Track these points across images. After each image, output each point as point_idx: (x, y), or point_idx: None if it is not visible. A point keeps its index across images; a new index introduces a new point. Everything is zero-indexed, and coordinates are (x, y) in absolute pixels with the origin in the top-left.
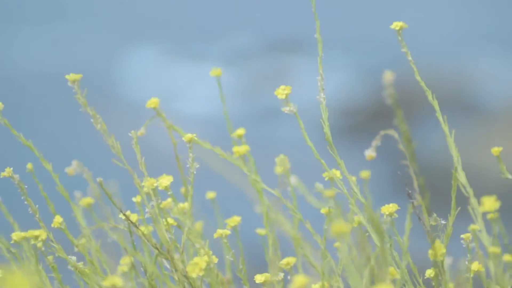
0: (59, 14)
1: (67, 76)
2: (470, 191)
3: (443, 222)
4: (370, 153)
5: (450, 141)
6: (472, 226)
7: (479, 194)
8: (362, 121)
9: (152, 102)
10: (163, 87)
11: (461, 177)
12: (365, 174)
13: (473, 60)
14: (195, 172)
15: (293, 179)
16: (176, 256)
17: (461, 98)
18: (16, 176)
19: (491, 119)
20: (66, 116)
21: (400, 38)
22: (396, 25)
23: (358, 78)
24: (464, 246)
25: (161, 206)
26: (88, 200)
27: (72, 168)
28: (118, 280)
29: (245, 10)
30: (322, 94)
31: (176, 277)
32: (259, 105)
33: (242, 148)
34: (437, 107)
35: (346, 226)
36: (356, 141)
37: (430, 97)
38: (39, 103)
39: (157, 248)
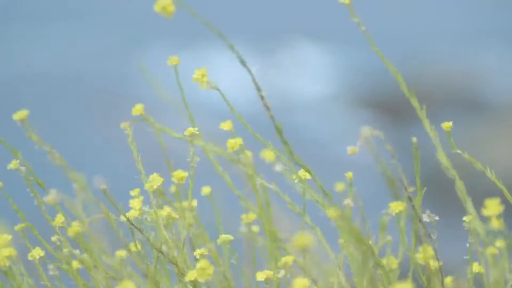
0: (64, 14)
1: (14, 117)
2: (454, 172)
3: (436, 218)
4: (351, 148)
5: (426, 122)
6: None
7: (483, 191)
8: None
9: (137, 109)
10: (174, 82)
11: (442, 158)
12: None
13: (478, 56)
14: (195, 166)
15: (278, 167)
16: (179, 258)
17: (466, 95)
18: (23, 169)
19: (496, 115)
20: (68, 117)
21: (350, 9)
22: None
23: (363, 76)
24: (466, 229)
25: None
26: (75, 229)
27: (52, 196)
28: (131, 285)
29: (249, 4)
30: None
31: (179, 280)
32: (273, 96)
33: (236, 142)
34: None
35: (310, 239)
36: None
37: (390, 69)
38: (41, 104)
39: (161, 252)
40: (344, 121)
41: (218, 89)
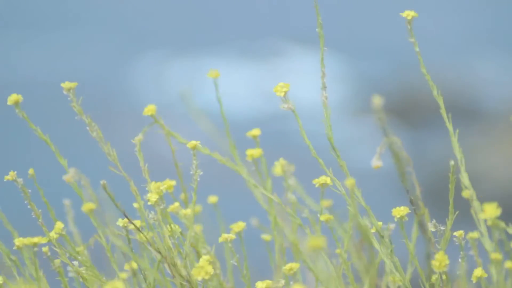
0: (61, 22)
1: (62, 84)
2: (473, 193)
3: (442, 228)
4: (376, 162)
5: (454, 140)
6: (470, 234)
7: (480, 199)
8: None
9: (149, 109)
10: (168, 91)
11: (464, 178)
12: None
13: (473, 64)
14: (198, 179)
15: (292, 181)
16: (179, 262)
17: (461, 102)
18: (20, 180)
19: (491, 123)
20: (65, 124)
21: (409, 27)
22: (408, 14)
23: (362, 85)
24: (457, 244)
25: (168, 210)
26: (89, 205)
27: (70, 175)
28: (120, 285)
29: (235, 13)
30: (324, 93)
31: (178, 283)
32: (273, 105)
33: (256, 152)
34: (441, 103)
35: (322, 241)
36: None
37: (435, 93)
38: (38, 111)
39: (160, 253)
40: (346, 128)
41: (294, 111)
